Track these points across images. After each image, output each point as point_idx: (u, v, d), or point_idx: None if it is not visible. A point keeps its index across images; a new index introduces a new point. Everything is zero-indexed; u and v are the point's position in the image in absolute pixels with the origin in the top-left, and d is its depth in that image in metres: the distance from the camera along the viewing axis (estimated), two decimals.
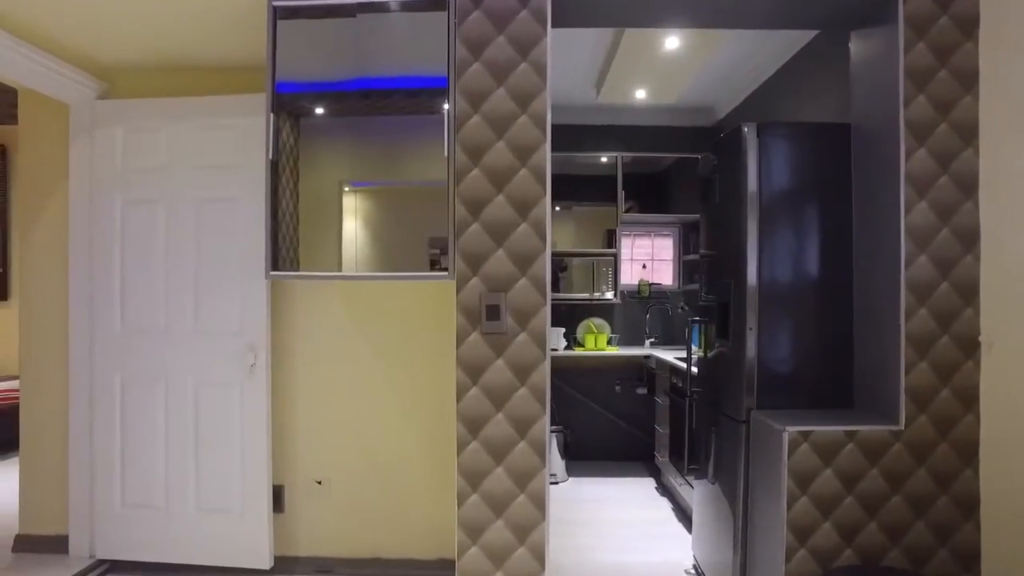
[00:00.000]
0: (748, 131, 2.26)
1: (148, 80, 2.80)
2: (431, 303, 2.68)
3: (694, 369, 2.91)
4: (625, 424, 4.58)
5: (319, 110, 2.22)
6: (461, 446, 1.98)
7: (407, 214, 2.28)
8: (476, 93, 1.97)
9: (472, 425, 1.97)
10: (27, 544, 2.89)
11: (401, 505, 2.70)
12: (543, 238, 1.97)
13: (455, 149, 1.98)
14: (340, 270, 2.25)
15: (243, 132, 2.60)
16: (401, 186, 2.27)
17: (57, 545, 2.83)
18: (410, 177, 2.22)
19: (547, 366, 1.97)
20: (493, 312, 1.94)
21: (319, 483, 2.72)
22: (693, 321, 2.89)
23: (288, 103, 2.15)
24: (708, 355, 2.70)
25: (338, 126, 2.23)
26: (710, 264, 2.72)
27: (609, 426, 4.58)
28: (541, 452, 1.98)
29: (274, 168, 2.17)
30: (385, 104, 2.18)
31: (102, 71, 2.79)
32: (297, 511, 2.74)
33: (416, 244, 2.15)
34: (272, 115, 2.13)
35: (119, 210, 2.73)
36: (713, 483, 2.55)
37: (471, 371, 1.96)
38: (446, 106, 2.05)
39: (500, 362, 1.95)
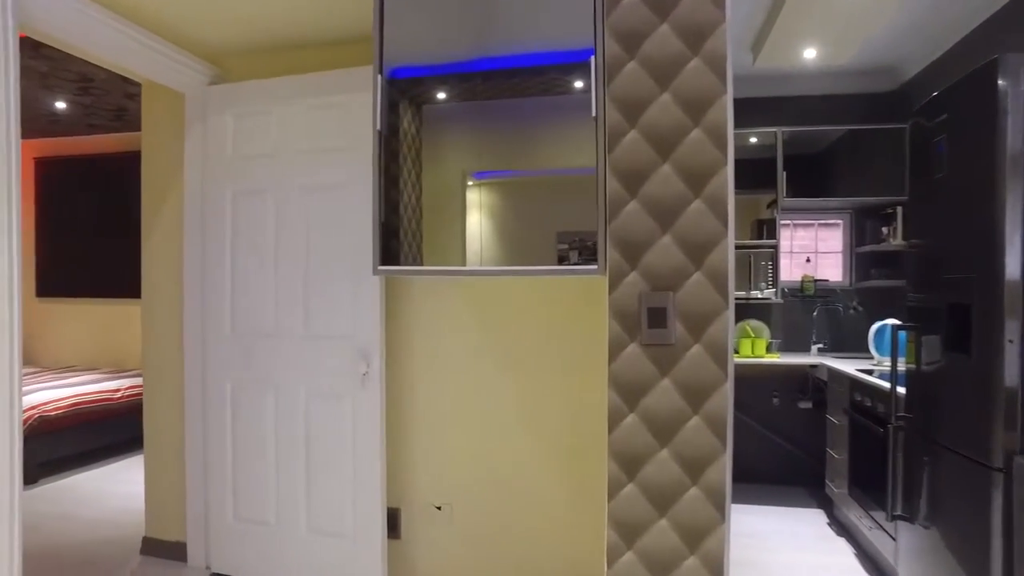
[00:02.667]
0: (1009, 65, 1.64)
1: (258, 62, 2.59)
2: (570, 306, 2.26)
3: (900, 389, 2.28)
4: (785, 444, 3.92)
5: (441, 95, 1.95)
6: (613, 489, 1.53)
7: (535, 207, 1.91)
8: (630, 32, 1.52)
9: (628, 463, 1.52)
10: (152, 548, 2.81)
11: (532, 538, 2.30)
12: (724, 219, 1.48)
13: (606, 104, 1.53)
14: (464, 266, 1.90)
15: (352, 110, 2.31)
16: (528, 176, 1.93)
17: (177, 552, 2.71)
18: (539, 166, 1.89)
19: (729, 389, 1.48)
20: (657, 317, 1.47)
21: (438, 508, 2.38)
22: (899, 328, 2.25)
23: (408, 89, 1.91)
24: (921, 371, 2.08)
25: (461, 112, 1.94)
26: (926, 255, 2.09)
27: (766, 445, 3.95)
28: (719, 502, 1.49)
29: (391, 152, 1.88)
30: (512, 85, 1.86)
31: (213, 55, 2.61)
32: (414, 538, 2.43)
33: (544, 240, 1.81)
34: (380, 77, 1.80)
35: (230, 201, 2.54)
36: (927, 527, 1.94)
37: (627, 393, 1.51)
38: (592, 55, 1.62)
39: (666, 382, 1.48)
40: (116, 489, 3.76)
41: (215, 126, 2.56)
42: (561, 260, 1.76)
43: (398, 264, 1.92)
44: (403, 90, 1.91)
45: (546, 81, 1.83)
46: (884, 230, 3.62)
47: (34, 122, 4.91)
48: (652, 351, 1.49)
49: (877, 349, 3.33)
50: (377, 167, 1.89)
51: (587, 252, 1.72)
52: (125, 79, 3.46)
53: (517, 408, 2.31)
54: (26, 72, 3.78)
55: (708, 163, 1.48)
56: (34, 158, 5.71)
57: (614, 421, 1.52)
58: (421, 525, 2.42)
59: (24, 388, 4.32)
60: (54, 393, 4.14)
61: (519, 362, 2.31)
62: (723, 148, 1.48)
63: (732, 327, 1.50)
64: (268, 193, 2.47)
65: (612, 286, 1.52)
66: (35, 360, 5.75)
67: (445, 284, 2.38)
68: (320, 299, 2.39)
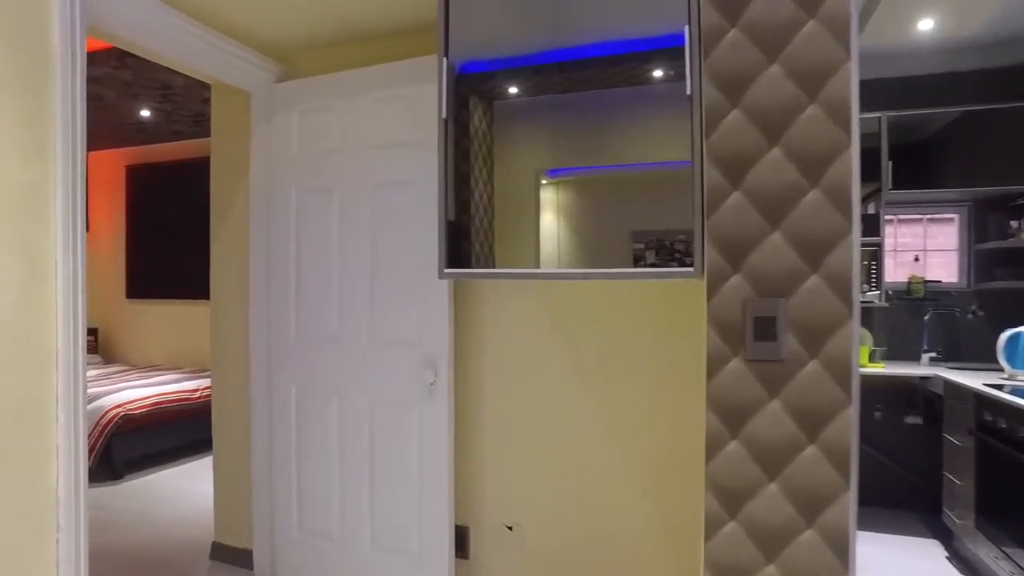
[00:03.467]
0: None
1: (324, 57, 2.51)
2: (656, 312, 2.04)
3: None
4: (891, 463, 3.54)
5: (512, 89, 1.81)
6: (711, 526, 1.32)
7: (610, 206, 1.73)
8: None
9: (729, 497, 1.30)
10: (221, 553, 2.79)
11: (614, 567, 2.10)
12: (847, 212, 1.24)
13: (702, 82, 1.32)
14: (538, 268, 1.76)
15: (419, 103, 2.18)
16: (604, 173, 1.77)
17: (244, 559, 2.67)
18: (616, 160, 1.73)
19: (854, 415, 1.24)
20: (764, 328, 1.25)
21: (510, 528, 2.22)
22: None
23: (478, 84, 1.80)
24: None
25: (534, 107, 1.81)
26: None
27: (868, 463, 3.58)
28: (841, 548, 1.26)
29: (461, 150, 1.78)
30: (587, 76, 1.72)
31: (279, 52, 2.55)
32: (484, 559, 2.27)
33: (618, 239, 1.67)
34: (444, 60, 1.66)
35: (294, 201, 2.47)
36: None
37: (728, 416, 1.29)
38: (685, 31, 1.41)
39: (775, 405, 1.26)
40: (193, 488, 3.81)
41: (280, 124, 2.49)
42: (637, 261, 1.62)
43: (468, 267, 1.78)
44: (473, 86, 1.80)
45: (625, 70, 1.67)
46: (1013, 224, 3.19)
47: (123, 131, 5.10)
48: (758, 368, 1.27)
49: (1009, 360, 2.92)
50: (443, 158, 1.76)
51: (665, 252, 1.57)
52: (202, 85, 3.49)
53: (596, 423, 2.11)
54: (112, 82, 3.90)
55: (827, 145, 1.25)
56: (125, 166, 5.96)
57: (713, 448, 1.31)
58: (491, 545, 2.26)
59: (111, 387, 4.48)
60: (137, 392, 4.26)
61: (598, 373, 2.11)
62: (846, 126, 1.25)
63: (857, 340, 1.25)
64: (333, 192, 2.38)
65: (711, 291, 1.31)
66: (125, 359, 6.00)
67: (518, 288, 2.22)
68: (385, 303, 2.28)
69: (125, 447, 3.97)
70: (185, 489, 3.81)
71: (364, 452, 2.31)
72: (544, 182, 1.78)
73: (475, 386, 2.27)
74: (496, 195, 1.82)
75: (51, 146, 1.72)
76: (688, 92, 1.40)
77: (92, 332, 5.98)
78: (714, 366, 1.30)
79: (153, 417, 4.10)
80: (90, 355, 5.72)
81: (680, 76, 1.46)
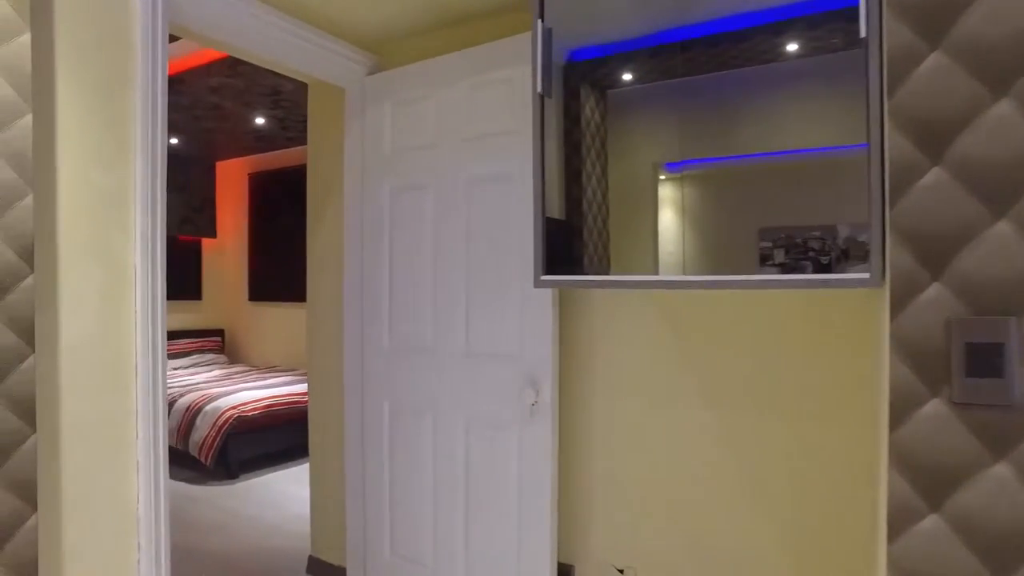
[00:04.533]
0: None
1: (418, 44, 2.34)
2: (804, 327, 1.67)
3: None
4: None
5: (627, 76, 1.60)
6: None
7: (736, 201, 1.47)
8: None
9: None
10: (316, 568, 2.69)
11: None
12: None
13: (882, 18, 0.97)
14: (656, 273, 1.52)
15: (519, 85, 1.94)
16: (733, 164, 1.51)
17: None
18: (748, 149, 1.47)
19: None
20: (985, 359, 0.88)
21: (620, 572, 1.92)
22: None
23: (590, 72, 1.61)
24: None
25: (652, 94, 1.59)
26: None
27: None
28: None
29: (572, 144, 1.60)
30: (716, 56, 1.49)
31: (372, 42, 2.41)
32: None
33: (742, 238, 1.43)
34: (539, 23, 1.41)
35: (387, 201, 2.31)
36: None
37: (924, 479, 0.93)
38: None
39: (1001, 470, 0.89)
40: (301, 493, 3.81)
41: (373, 118, 2.34)
42: (763, 260, 1.39)
43: (580, 272, 1.54)
44: (584, 73, 1.61)
45: (761, 44, 1.42)
46: None
47: (243, 139, 5.29)
48: (974, 415, 0.90)
49: None
50: (538, 142, 1.51)
51: (796, 251, 1.35)
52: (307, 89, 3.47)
53: (724, 459, 1.77)
54: (227, 91, 3.99)
55: None
56: (248, 173, 6.22)
57: (900, 522, 0.95)
58: None
59: (230, 387, 4.62)
60: (252, 394, 4.36)
61: (728, 399, 1.76)
62: None
63: None
64: (427, 189, 2.19)
65: (897, 305, 0.95)
66: (247, 359, 6.27)
67: (633, 297, 1.92)
68: (482, 311, 2.06)
69: (240, 448, 4.06)
70: (293, 494, 3.82)
71: (459, 475, 2.10)
72: (663, 177, 1.55)
73: (582, 408, 1.99)
74: (610, 193, 1.61)
75: (131, 149, 1.64)
76: (863, 34, 1.05)
77: (219, 333, 6.29)
78: (902, 409, 0.94)
79: (266, 419, 4.17)
80: (215, 355, 6.02)
81: (833, 40, 1.13)
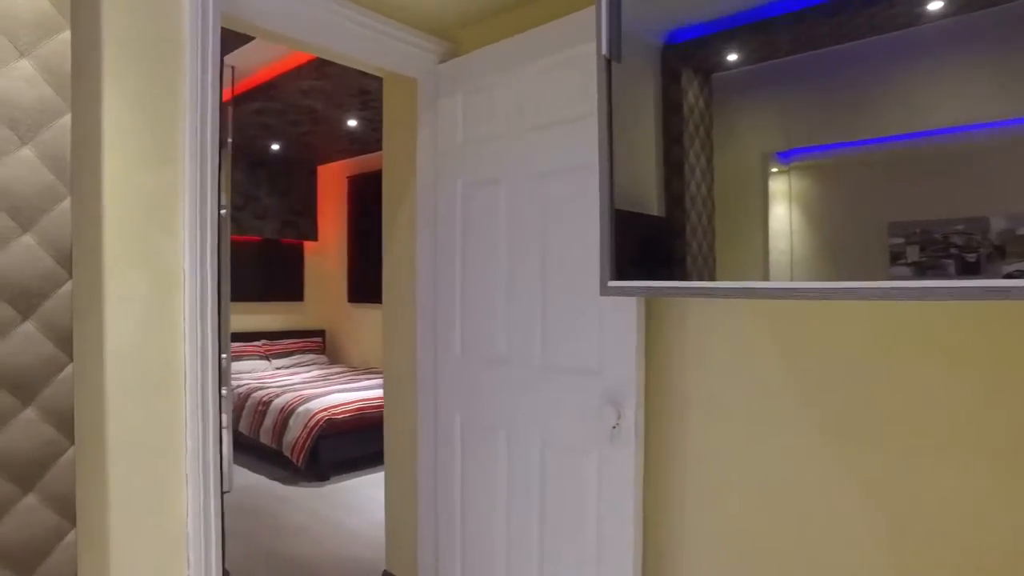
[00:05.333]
0: None
1: (493, 26, 2.15)
2: (959, 347, 1.32)
3: None
4: None
5: (734, 56, 1.39)
6: None
7: (863, 193, 1.23)
8: None
9: None
10: None
11: None
12: None
13: None
14: (766, 279, 1.29)
15: (594, 64, 1.70)
16: (861, 151, 1.25)
17: None
18: (883, 131, 1.21)
19: None
20: None
21: None
22: None
23: (691, 53, 1.43)
24: None
25: (764, 74, 1.37)
26: None
27: None
28: None
29: (671, 134, 1.39)
30: (839, 25, 1.25)
31: (443, 28, 2.24)
32: None
33: (868, 235, 1.21)
34: None
35: (459, 197, 2.13)
36: None
37: None
38: None
39: None
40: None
41: (445, 110, 2.18)
42: (895, 259, 1.17)
43: (683, 277, 1.34)
44: (685, 56, 1.42)
45: (894, 6, 1.16)
46: None
47: (339, 142, 5.36)
48: None
49: None
50: (605, 117, 1.27)
51: (935, 248, 1.13)
52: None
53: (855, 507, 1.43)
54: (317, 93, 4.00)
55: None
56: (347, 177, 6.33)
57: None
58: None
59: (323, 389, 4.66)
60: (344, 396, 4.36)
61: (859, 432, 1.43)
62: None
63: None
64: (499, 184, 2.00)
65: None
66: (345, 360, 6.38)
67: (735, 306, 1.62)
68: (559, 319, 1.83)
69: (330, 450, 4.06)
70: (379, 499, 3.76)
71: (533, 502, 1.89)
72: (774, 169, 1.32)
73: (673, 434, 1.71)
74: (715, 187, 1.40)
75: (179, 148, 1.55)
76: None
77: (320, 334, 6.45)
78: None
79: (355, 422, 4.15)
80: (316, 356, 6.16)
81: None
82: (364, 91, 3.91)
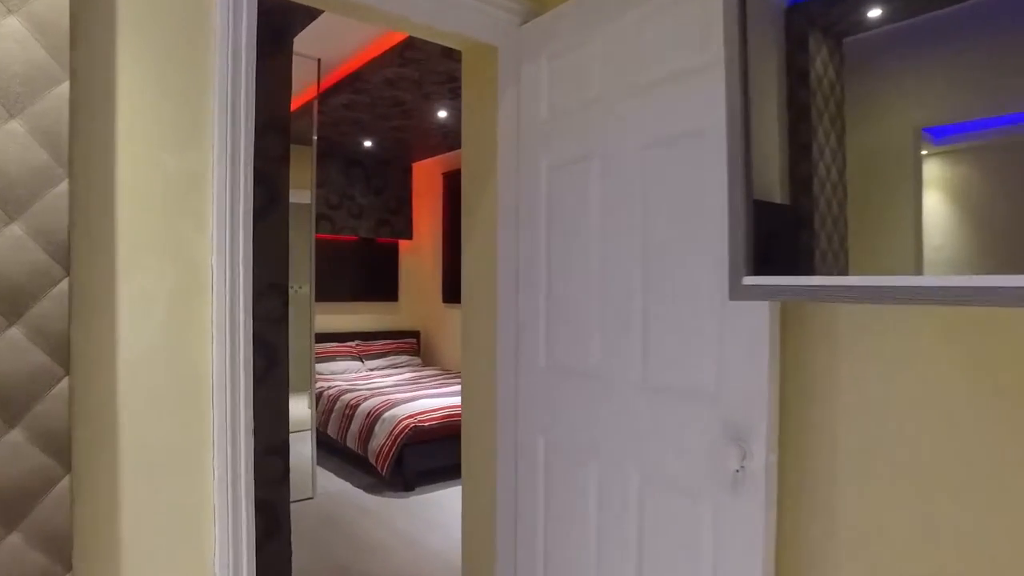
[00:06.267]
0: None
1: None
2: None
3: None
4: None
5: (873, 12, 1.07)
6: None
7: None
8: None
9: None
10: None
11: None
12: None
13: None
14: (920, 272, 0.95)
15: (702, 4, 1.32)
16: None
17: None
18: None
19: None
20: None
21: None
22: None
23: (819, 15, 1.14)
24: None
25: (909, 34, 1.04)
26: None
27: None
28: None
29: (798, 108, 1.10)
30: None
31: None
32: None
33: None
34: None
35: (545, 180, 1.80)
36: None
37: None
38: None
39: None
40: None
41: (528, 79, 1.86)
42: None
43: (811, 272, 0.99)
44: (812, 17, 1.15)
45: None
46: None
47: (432, 136, 5.18)
48: None
49: None
50: (737, 59, 0.92)
51: None
52: None
53: None
54: (404, 83, 3.81)
55: None
56: (442, 173, 6.17)
57: None
58: None
59: (411, 394, 4.47)
60: (431, 402, 4.15)
61: None
62: None
63: None
64: (591, 161, 1.65)
65: None
66: (439, 362, 6.22)
67: (894, 315, 1.18)
68: (664, 327, 1.45)
69: (415, 459, 3.85)
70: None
71: (629, 552, 1.52)
72: (926, 152, 1.00)
73: (818, 482, 1.28)
74: (848, 170, 1.08)
75: (207, 125, 1.32)
76: None
77: (414, 335, 6.33)
78: None
79: (442, 430, 3.92)
80: (410, 357, 6.04)
81: None
82: (451, 78, 3.67)
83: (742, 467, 1.27)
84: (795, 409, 1.30)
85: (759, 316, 1.25)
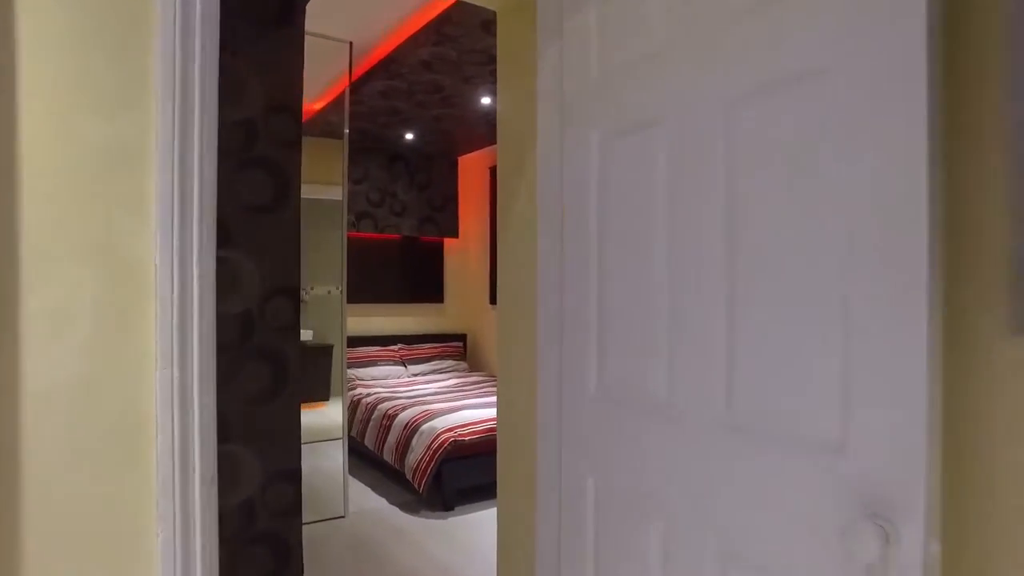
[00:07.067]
0: None
1: None
2: None
3: None
4: None
5: None
6: None
7: None
8: None
9: None
10: None
11: None
12: None
13: None
14: None
15: None
16: None
17: None
18: None
19: None
20: None
21: None
22: None
23: None
24: None
25: None
26: None
27: None
28: None
29: None
30: None
31: None
32: None
33: None
34: None
35: (596, 155, 1.43)
36: None
37: None
38: None
39: None
40: None
41: (573, 33, 1.48)
42: None
43: None
44: None
45: None
46: None
47: (477, 127, 4.86)
48: None
49: None
50: None
51: None
52: None
53: None
54: (442, 64, 3.49)
55: None
56: (489, 168, 5.84)
57: None
58: None
59: (454, 403, 4.15)
60: (475, 413, 3.82)
61: None
62: None
63: None
64: (656, 127, 1.26)
65: None
66: (486, 367, 5.89)
67: None
68: (760, 347, 1.06)
69: (455, 476, 3.53)
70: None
71: None
72: None
73: None
74: None
75: (149, 85, 1.01)
76: None
77: (460, 339, 6.03)
78: None
79: (485, 444, 3.58)
80: (455, 362, 5.73)
81: None
82: (492, 57, 3.32)
83: (882, 559, 0.87)
84: (969, 475, 0.89)
85: (914, 337, 0.84)
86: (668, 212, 1.24)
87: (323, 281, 4.00)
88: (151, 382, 1.01)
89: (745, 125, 1.07)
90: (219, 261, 1.93)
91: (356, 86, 3.84)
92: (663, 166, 1.25)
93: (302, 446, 4.03)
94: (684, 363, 1.20)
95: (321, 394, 4.29)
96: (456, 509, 3.57)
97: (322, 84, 3.83)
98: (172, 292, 1.01)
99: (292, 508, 2.07)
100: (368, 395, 4.47)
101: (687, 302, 1.19)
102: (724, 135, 1.11)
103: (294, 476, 2.07)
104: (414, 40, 3.15)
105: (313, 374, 4.27)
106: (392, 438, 3.82)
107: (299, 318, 2.07)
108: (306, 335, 4.51)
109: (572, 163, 1.50)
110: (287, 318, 2.02)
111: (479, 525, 3.38)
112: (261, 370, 2.01)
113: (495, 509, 3.43)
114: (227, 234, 1.89)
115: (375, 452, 4.06)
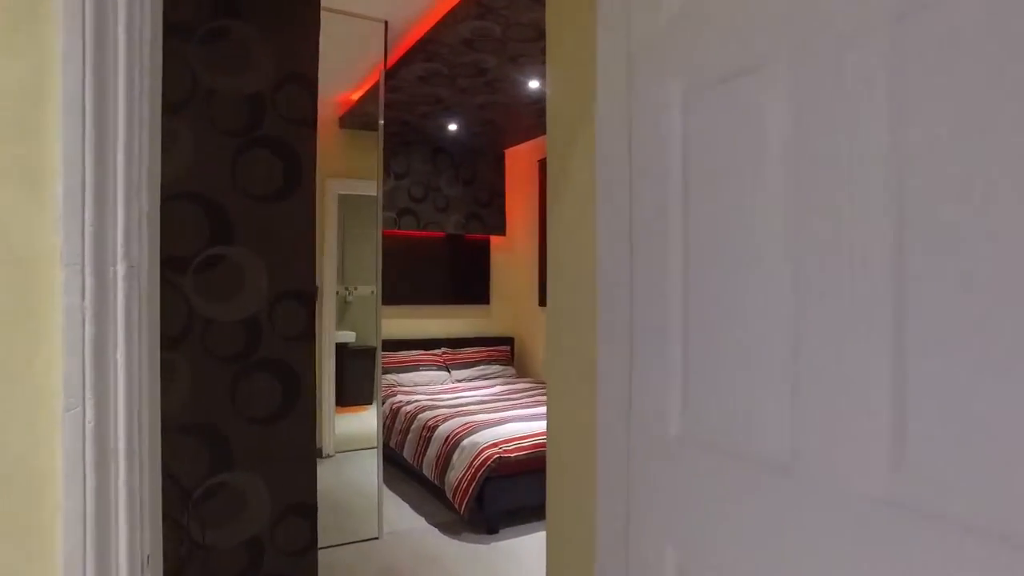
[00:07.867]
0: None
1: None
2: None
3: None
4: None
5: None
6: None
7: None
8: None
9: None
10: None
11: None
12: None
13: None
14: None
15: None
16: None
17: None
18: None
19: None
20: None
21: None
22: None
23: None
24: None
25: None
26: None
27: None
28: None
29: None
30: None
31: None
32: None
33: None
34: None
35: (678, 114, 1.07)
36: None
37: None
38: None
39: None
40: None
41: None
42: None
43: None
44: None
45: None
46: None
47: (525, 115, 4.52)
48: None
49: None
50: None
51: None
52: None
53: None
54: (485, 42, 3.17)
55: None
56: (538, 160, 5.50)
57: None
58: None
59: (499, 415, 3.80)
60: (521, 426, 3.49)
61: None
62: None
63: None
64: (767, 70, 0.90)
65: None
66: (534, 373, 5.56)
67: None
68: (949, 386, 0.68)
69: (499, 496, 3.21)
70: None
71: None
72: None
73: None
74: None
75: (49, 8, 0.71)
76: None
77: (507, 342, 5.71)
78: None
79: (532, 462, 3.24)
80: (502, 367, 5.41)
81: None
82: (540, 31, 2.98)
83: None
84: None
85: None
86: (788, 183, 0.87)
87: (366, 281, 3.77)
88: (55, 427, 0.71)
89: (917, 63, 0.70)
90: (219, 259, 1.64)
91: (393, 71, 3.57)
92: (779, 121, 0.89)
93: (337, 455, 3.69)
94: (817, 401, 0.83)
95: (364, 398, 4.07)
96: (500, 532, 3.25)
97: (359, 72, 3.58)
98: (83, 299, 0.71)
99: (305, 547, 1.78)
100: (408, 403, 4.20)
101: (822, 314, 0.82)
102: (888, 66, 0.74)
103: (308, 510, 1.78)
104: (453, 15, 2.85)
105: (354, 377, 4.05)
106: (432, 451, 3.53)
107: (314, 324, 1.77)
108: (348, 337, 4.27)
109: (644, 127, 1.14)
110: (300, 325, 1.73)
111: (526, 553, 3.04)
112: (270, 385, 1.72)
113: (543, 532, 3.09)
114: (228, 228, 1.61)
115: (415, 466, 3.77)
